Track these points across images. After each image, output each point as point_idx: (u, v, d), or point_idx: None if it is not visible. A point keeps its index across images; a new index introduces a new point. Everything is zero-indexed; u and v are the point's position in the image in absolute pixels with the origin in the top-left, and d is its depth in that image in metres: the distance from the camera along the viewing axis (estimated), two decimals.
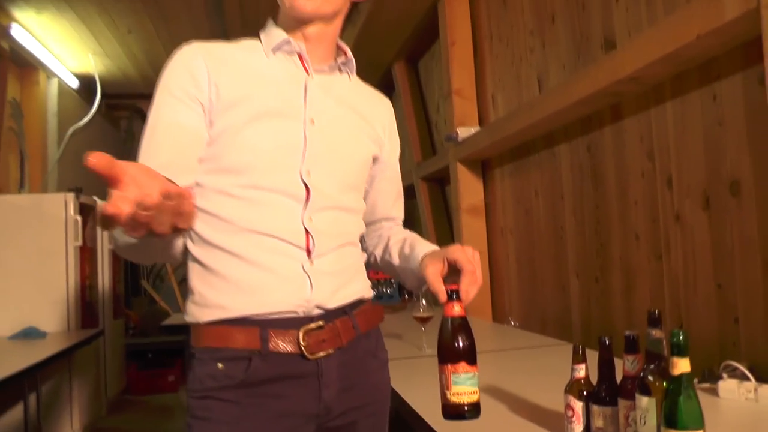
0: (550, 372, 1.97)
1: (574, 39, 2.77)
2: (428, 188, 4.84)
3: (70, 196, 4.31)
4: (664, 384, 1.05)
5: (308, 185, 1.23)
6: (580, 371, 1.28)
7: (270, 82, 1.26)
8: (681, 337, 0.99)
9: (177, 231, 0.88)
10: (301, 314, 1.22)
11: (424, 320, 2.57)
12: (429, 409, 1.59)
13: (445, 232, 4.67)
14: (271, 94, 1.25)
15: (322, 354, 1.23)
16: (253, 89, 1.24)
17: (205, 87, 1.21)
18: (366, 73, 5.49)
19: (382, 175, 1.48)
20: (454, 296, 1.13)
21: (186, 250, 1.25)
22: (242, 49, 1.30)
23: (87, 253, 4.62)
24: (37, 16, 4.74)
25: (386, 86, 5.93)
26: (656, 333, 1.11)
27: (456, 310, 1.13)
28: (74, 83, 6.07)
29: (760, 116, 1.78)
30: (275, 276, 1.20)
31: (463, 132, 3.71)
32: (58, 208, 4.27)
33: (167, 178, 0.86)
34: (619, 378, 1.22)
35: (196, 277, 1.24)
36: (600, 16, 2.56)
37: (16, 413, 3.74)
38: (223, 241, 1.20)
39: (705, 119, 2.01)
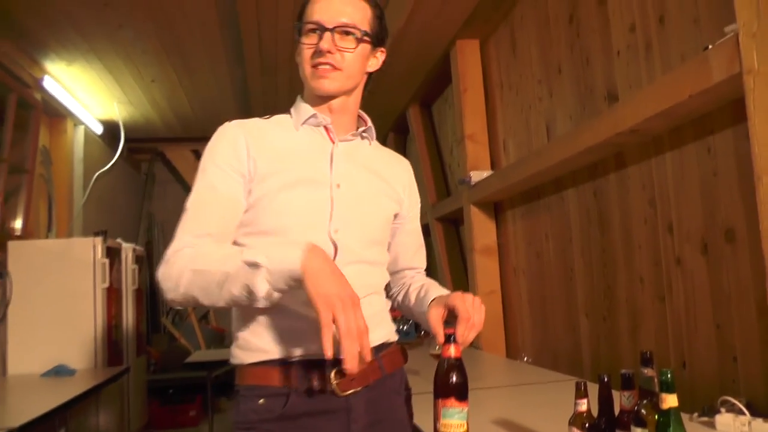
0: (559, 406, 2.07)
1: (579, 90, 2.94)
2: (443, 228, 4.98)
3: (98, 241, 4.48)
4: (656, 417, 1.18)
5: (336, 243, 1.40)
6: (582, 405, 1.41)
7: (300, 153, 1.44)
8: (669, 376, 1.13)
9: None
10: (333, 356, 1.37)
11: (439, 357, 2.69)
12: None
13: (459, 271, 4.80)
14: (301, 164, 1.43)
15: (350, 392, 1.38)
16: (286, 161, 1.42)
17: (245, 161, 1.39)
18: (382, 117, 5.70)
19: (402, 228, 1.64)
20: (451, 339, 1.27)
21: None
22: (274, 124, 1.49)
23: (113, 294, 4.78)
24: (67, 67, 4.97)
25: (401, 129, 6.09)
26: (648, 372, 1.24)
27: (451, 351, 1.26)
28: (99, 129, 6.28)
29: (750, 169, 1.91)
30: (310, 324, 1.34)
31: (476, 176, 3.87)
32: (86, 251, 4.44)
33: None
34: (617, 411, 1.36)
35: (241, 324, 1.41)
36: (602, 70, 2.72)
37: None
38: None
39: (701, 170, 2.15)
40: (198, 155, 7.77)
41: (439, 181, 5.26)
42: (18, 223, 4.77)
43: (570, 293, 3.11)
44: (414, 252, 1.70)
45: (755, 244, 1.91)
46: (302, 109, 1.49)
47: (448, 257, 4.92)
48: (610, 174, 2.71)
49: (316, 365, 1.36)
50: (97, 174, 6.17)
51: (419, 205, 1.71)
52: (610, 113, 2.36)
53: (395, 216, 1.59)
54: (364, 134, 1.56)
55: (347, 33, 1.41)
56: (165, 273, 1.30)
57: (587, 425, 1.40)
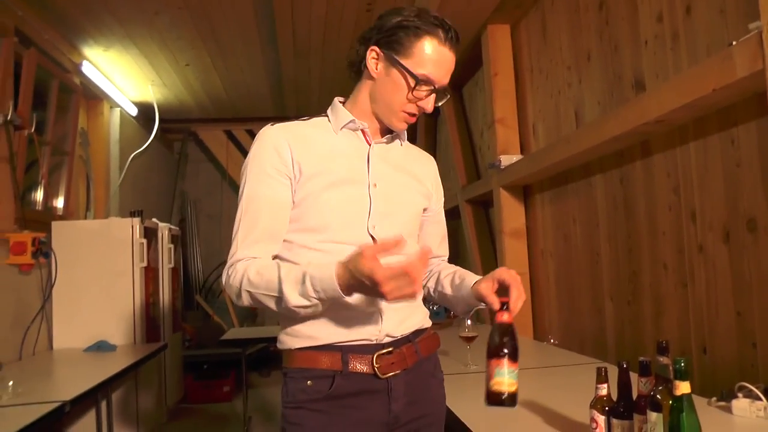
0: (583, 389, 2.15)
1: (607, 77, 2.98)
2: (472, 210, 5.05)
3: (137, 221, 4.62)
4: (670, 402, 1.26)
5: (374, 237, 1.51)
6: (603, 390, 1.50)
7: (340, 156, 1.55)
8: (682, 364, 1.21)
9: None
10: (374, 342, 1.51)
11: (469, 339, 2.78)
12: (474, 419, 1.86)
13: (488, 252, 4.87)
14: (341, 165, 1.53)
15: (391, 374, 1.51)
16: (327, 163, 1.52)
17: (290, 163, 1.50)
18: None
19: (430, 220, 1.75)
20: (504, 307, 1.39)
21: None
22: (313, 126, 1.59)
23: (150, 273, 4.94)
24: (104, 53, 5.11)
25: (432, 112, 6.11)
26: (663, 360, 1.32)
27: (505, 317, 1.38)
28: (133, 111, 6.44)
29: None
30: (353, 312, 1.47)
31: (506, 160, 3.93)
32: (125, 231, 4.60)
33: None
34: (635, 396, 1.44)
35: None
36: (630, 58, 2.76)
37: (88, 420, 4.04)
38: None
39: (724, 160, 2.20)
40: (230, 135, 7.93)
41: (469, 164, 5.29)
42: (60, 203, 4.94)
43: (596, 277, 3.18)
44: (440, 241, 1.80)
45: None
46: (341, 114, 1.59)
47: (478, 239, 4.98)
48: (636, 161, 2.76)
49: (360, 349, 1.49)
50: (132, 155, 6.34)
51: (443, 198, 1.82)
52: (636, 103, 2.40)
53: (425, 210, 1.70)
54: (395, 135, 1.66)
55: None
56: (227, 284, 1.47)
57: (607, 408, 1.49)
